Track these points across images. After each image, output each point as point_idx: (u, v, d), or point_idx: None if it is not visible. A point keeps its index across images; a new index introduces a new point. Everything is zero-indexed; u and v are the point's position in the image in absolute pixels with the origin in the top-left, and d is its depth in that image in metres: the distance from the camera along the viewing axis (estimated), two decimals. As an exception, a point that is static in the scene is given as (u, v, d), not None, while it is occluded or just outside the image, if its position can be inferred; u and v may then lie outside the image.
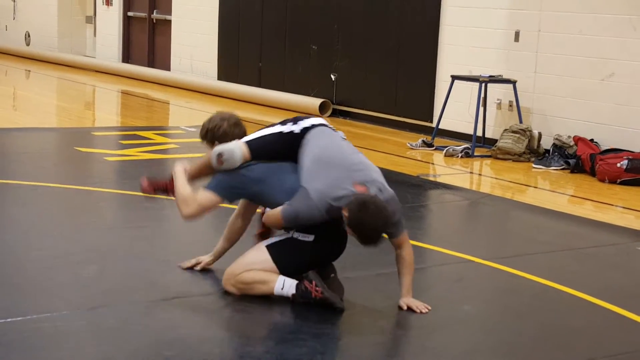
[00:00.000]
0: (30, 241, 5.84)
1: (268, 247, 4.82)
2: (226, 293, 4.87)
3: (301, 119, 4.99)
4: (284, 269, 4.80)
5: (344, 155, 4.85)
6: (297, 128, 4.92)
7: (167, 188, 5.05)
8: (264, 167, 4.84)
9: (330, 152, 4.84)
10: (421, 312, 4.76)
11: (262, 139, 4.90)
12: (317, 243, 4.79)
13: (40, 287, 4.92)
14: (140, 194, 5.22)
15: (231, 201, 4.97)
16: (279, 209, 4.73)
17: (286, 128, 4.93)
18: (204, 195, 4.85)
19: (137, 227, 6.35)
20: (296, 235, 4.79)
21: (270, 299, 4.80)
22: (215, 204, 4.87)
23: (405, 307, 4.81)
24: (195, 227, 6.57)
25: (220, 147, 4.84)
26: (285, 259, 4.80)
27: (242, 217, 5.17)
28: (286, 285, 4.76)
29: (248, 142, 4.87)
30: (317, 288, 4.67)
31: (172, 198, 5.03)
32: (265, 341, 4.33)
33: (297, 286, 4.73)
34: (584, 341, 4.61)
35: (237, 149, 4.82)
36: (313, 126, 4.94)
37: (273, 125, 5.03)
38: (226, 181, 4.85)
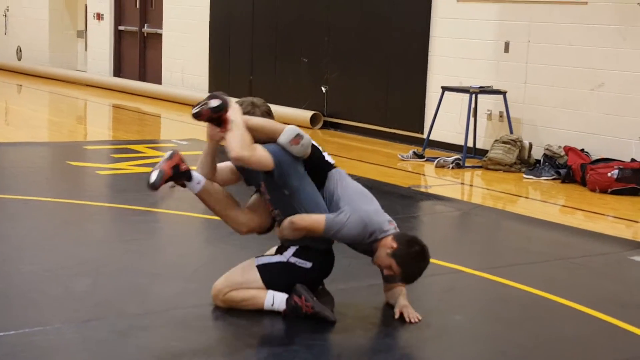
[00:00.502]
0: (22, 255, 5.84)
1: (259, 267, 4.78)
2: (216, 306, 4.87)
3: (324, 153, 4.98)
4: (273, 289, 4.79)
5: (370, 194, 4.96)
6: (329, 159, 4.94)
7: (224, 124, 4.63)
8: (305, 172, 4.80)
9: (363, 189, 4.94)
10: (410, 322, 4.77)
11: (316, 150, 4.86)
12: (313, 270, 4.80)
13: (32, 300, 4.92)
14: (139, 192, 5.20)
15: (272, 175, 4.69)
16: (320, 216, 4.69)
17: (325, 154, 4.92)
18: (263, 152, 4.62)
19: (129, 240, 6.36)
20: (293, 260, 4.77)
21: (261, 312, 4.80)
22: (265, 165, 4.62)
23: (398, 314, 4.81)
24: (186, 240, 6.58)
25: (297, 129, 4.70)
26: (277, 282, 4.78)
27: (248, 212, 4.97)
28: (276, 301, 4.75)
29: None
30: (308, 303, 4.67)
31: (218, 135, 4.69)
32: (258, 353, 4.33)
33: (287, 301, 4.73)
34: (576, 351, 4.62)
35: (310, 141, 4.76)
36: (334, 165, 4.97)
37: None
38: (283, 156, 4.67)
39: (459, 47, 11.12)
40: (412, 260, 4.72)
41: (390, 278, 4.90)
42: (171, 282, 5.38)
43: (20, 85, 17.74)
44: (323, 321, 4.68)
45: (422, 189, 9.08)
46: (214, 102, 4.60)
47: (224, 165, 4.96)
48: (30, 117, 13.42)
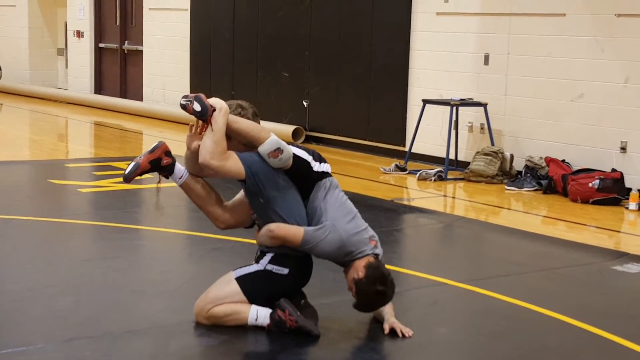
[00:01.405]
0: (4, 274, 5.80)
1: (238, 279, 4.78)
2: (202, 325, 4.86)
3: (324, 161, 4.97)
4: (255, 300, 4.79)
5: (356, 211, 4.95)
6: (319, 169, 4.91)
7: (208, 119, 4.63)
8: (289, 181, 4.81)
9: (350, 205, 4.93)
10: (404, 337, 4.77)
11: (300, 161, 4.83)
12: (290, 276, 4.80)
13: (15, 320, 4.89)
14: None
15: (245, 184, 4.73)
16: (299, 228, 4.70)
17: (315, 165, 4.89)
18: (235, 163, 4.63)
19: (111, 258, 6.33)
20: (270, 267, 4.77)
21: (245, 327, 4.80)
22: (235, 175, 4.65)
23: (388, 330, 4.81)
24: (169, 257, 6.56)
25: (281, 142, 4.68)
26: (257, 291, 4.78)
27: (228, 209, 4.98)
28: (260, 316, 4.75)
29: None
30: (291, 317, 4.67)
31: (194, 144, 4.71)
32: (242, 369, 4.33)
33: (271, 316, 4.73)
34: (559, 361, 4.64)
35: (290, 156, 4.75)
36: (327, 174, 4.96)
37: (299, 146, 4.94)
38: (260, 167, 4.69)
39: (439, 60, 11.17)
40: (369, 295, 4.74)
41: None
42: (155, 299, 5.36)
43: (1, 104, 17.67)
44: (307, 335, 4.68)
45: (405, 202, 9.10)
46: (197, 106, 4.62)
47: None
48: (11, 136, 13.36)
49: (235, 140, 4.73)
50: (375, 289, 4.72)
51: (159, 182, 5.02)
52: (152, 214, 8.16)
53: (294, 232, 4.71)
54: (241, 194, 5.00)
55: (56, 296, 5.32)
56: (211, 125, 4.60)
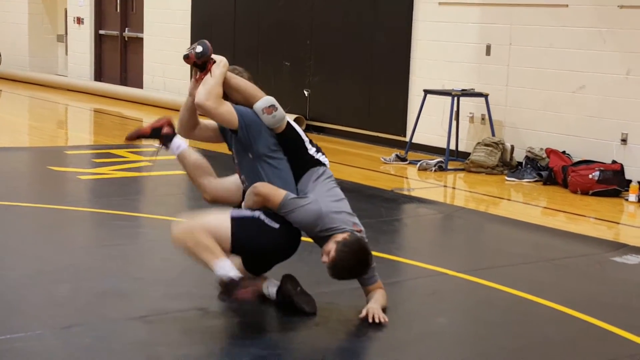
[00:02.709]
0: (3, 261, 5.80)
1: (233, 219, 4.75)
2: (199, 310, 4.86)
3: (322, 152, 5.03)
4: (238, 250, 4.77)
5: (345, 199, 4.99)
6: (314, 154, 4.97)
7: (207, 65, 4.79)
8: (282, 151, 4.88)
9: (340, 193, 4.97)
10: (374, 321, 4.74)
11: (294, 133, 4.93)
12: (280, 232, 4.79)
13: (14, 307, 4.89)
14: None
15: (237, 135, 4.80)
16: (282, 191, 4.74)
17: (310, 148, 4.95)
18: (229, 108, 4.77)
19: (111, 245, 6.33)
20: (263, 217, 4.78)
21: (244, 314, 4.80)
22: (228, 121, 4.76)
23: (363, 313, 4.80)
24: (169, 244, 6.55)
25: (275, 101, 4.84)
26: (245, 238, 4.75)
27: (218, 183, 5.11)
28: (226, 269, 4.66)
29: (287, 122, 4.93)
30: (246, 290, 4.66)
31: (197, 79, 4.81)
32: (241, 357, 4.32)
33: (233, 278, 4.64)
34: (559, 352, 4.64)
35: (284, 117, 4.88)
36: (323, 164, 5.00)
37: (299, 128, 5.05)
38: (254, 121, 4.82)
39: (440, 50, 11.15)
40: (350, 253, 4.69)
41: (365, 281, 4.92)
42: (154, 286, 5.36)
43: (0, 90, 17.65)
44: (302, 313, 4.77)
45: (405, 192, 9.09)
46: (199, 48, 4.79)
47: (207, 123, 5.12)
48: (10, 123, 13.35)
49: (231, 98, 4.85)
50: (359, 253, 4.72)
51: (157, 152, 5.20)
52: (152, 201, 8.15)
53: (276, 193, 4.75)
54: (233, 176, 5.07)
55: (55, 283, 5.32)
56: (210, 72, 4.75)
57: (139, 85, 16.77)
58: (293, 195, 4.78)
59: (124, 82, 17.46)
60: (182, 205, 7.97)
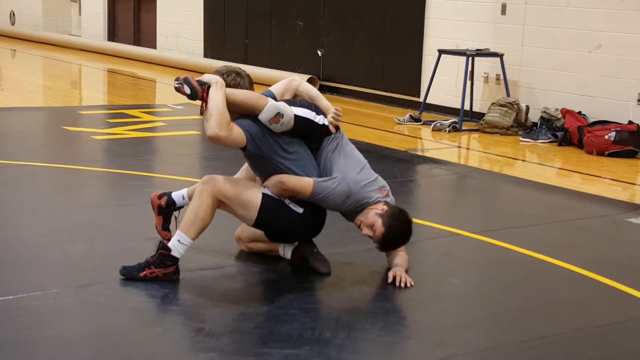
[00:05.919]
0: (19, 220, 5.83)
1: (264, 196, 4.78)
2: (216, 269, 4.87)
3: (321, 113, 4.95)
4: (262, 224, 4.80)
5: (366, 161, 5.00)
6: (322, 121, 4.91)
7: (203, 97, 4.67)
8: (296, 143, 4.83)
9: (359, 156, 4.98)
10: (400, 286, 4.77)
11: (302, 120, 4.83)
12: (304, 217, 4.81)
13: (30, 265, 4.92)
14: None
15: (246, 152, 4.78)
16: (309, 179, 4.73)
17: (317, 118, 4.89)
18: (237, 131, 4.68)
19: (125, 205, 6.34)
20: (287, 202, 4.79)
21: (259, 275, 4.82)
22: (238, 144, 4.70)
23: (391, 278, 4.83)
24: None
25: (280, 106, 4.72)
26: (268, 218, 4.78)
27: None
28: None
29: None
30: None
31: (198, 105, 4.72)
32: (256, 317, 4.33)
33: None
34: (573, 312, 4.63)
35: (291, 119, 4.77)
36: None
37: (298, 100, 4.96)
38: (256, 130, 4.73)
39: (455, 9, 11.06)
40: (398, 225, 4.78)
41: None
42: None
43: (14, 50, 17.64)
44: (316, 273, 4.82)
45: (419, 153, 9.06)
46: (187, 90, 4.65)
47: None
48: (24, 82, 13.35)
49: (233, 112, 4.73)
50: (404, 219, 4.81)
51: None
52: (166, 161, 8.15)
53: (304, 183, 4.73)
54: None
55: (70, 242, 5.34)
56: (206, 102, 4.63)
57: (152, 45, 16.73)
58: (320, 180, 4.76)
59: (137, 42, 17.42)
60: (196, 165, 7.98)
